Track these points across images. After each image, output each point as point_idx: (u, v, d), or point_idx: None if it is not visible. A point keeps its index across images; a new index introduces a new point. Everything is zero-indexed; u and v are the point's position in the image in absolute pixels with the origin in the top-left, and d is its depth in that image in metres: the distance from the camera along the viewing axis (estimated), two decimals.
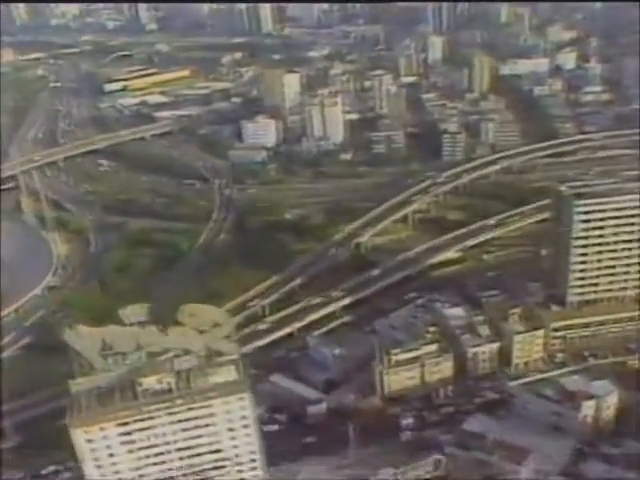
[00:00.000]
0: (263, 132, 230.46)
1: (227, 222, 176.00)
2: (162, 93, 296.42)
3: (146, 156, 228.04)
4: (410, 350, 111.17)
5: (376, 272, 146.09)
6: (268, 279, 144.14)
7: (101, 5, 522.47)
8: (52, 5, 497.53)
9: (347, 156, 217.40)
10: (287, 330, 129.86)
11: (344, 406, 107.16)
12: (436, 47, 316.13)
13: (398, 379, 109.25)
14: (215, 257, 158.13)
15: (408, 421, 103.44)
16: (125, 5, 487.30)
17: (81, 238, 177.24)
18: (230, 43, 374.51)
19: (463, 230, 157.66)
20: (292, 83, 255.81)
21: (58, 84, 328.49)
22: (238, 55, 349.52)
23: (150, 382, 79.00)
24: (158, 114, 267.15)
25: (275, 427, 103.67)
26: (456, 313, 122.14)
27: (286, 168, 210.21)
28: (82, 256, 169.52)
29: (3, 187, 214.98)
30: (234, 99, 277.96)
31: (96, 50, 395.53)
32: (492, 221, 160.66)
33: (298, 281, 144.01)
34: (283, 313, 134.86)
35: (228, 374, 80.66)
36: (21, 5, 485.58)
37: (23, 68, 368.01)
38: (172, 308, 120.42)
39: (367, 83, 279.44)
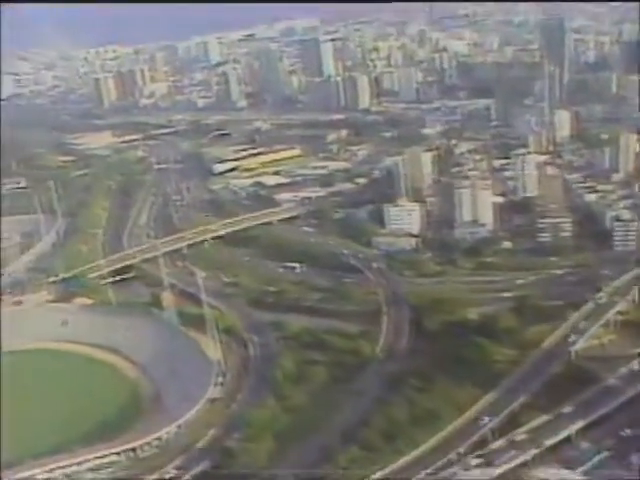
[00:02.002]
0: (407, 216, 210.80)
1: (403, 322, 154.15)
2: (276, 173, 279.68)
3: (280, 243, 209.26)
4: None
5: (602, 386, 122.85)
6: (480, 394, 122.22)
7: (187, 81, 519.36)
8: (140, 84, 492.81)
9: (508, 244, 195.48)
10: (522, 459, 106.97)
11: None
12: (563, 122, 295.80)
13: None
14: (407, 366, 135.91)
15: None
16: (214, 80, 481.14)
17: (235, 339, 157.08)
18: (329, 120, 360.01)
19: None
20: (427, 163, 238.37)
21: (162, 166, 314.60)
22: (343, 133, 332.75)
23: None
24: (278, 196, 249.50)
25: None
26: None
27: (443, 258, 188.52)
28: (241, 361, 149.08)
29: (122, 277, 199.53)
30: (357, 180, 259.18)
31: (191, 129, 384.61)
32: None
33: (517, 397, 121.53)
34: (511, 437, 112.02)
35: None
36: (111, 86, 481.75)
37: (122, 150, 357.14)
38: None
39: (496, 162, 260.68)
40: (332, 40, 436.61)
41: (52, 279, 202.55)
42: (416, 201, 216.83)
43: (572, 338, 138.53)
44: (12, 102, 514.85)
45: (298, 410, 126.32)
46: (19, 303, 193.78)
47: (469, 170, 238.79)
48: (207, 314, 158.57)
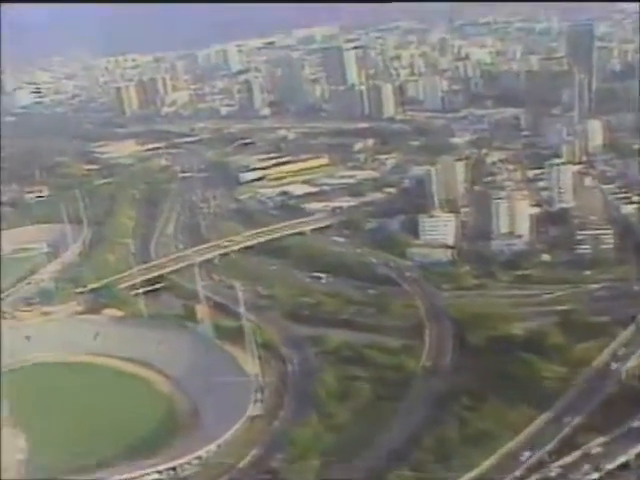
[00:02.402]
0: (443, 227, 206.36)
1: (446, 337, 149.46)
2: (304, 182, 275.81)
3: (312, 253, 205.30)
4: None
5: None
6: (533, 413, 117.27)
7: (208, 89, 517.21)
8: (162, 93, 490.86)
9: (547, 257, 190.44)
10: None
11: None
12: (595, 132, 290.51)
13: None
14: (454, 383, 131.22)
15: None
16: (235, 88, 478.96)
17: (272, 353, 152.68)
18: (355, 128, 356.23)
19: None
20: (459, 173, 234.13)
21: (187, 174, 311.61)
22: (370, 142, 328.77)
23: None
24: (308, 206, 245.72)
25: None
26: None
27: (481, 270, 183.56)
28: (280, 377, 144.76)
29: (152, 288, 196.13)
30: (387, 189, 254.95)
31: (215, 138, 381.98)
32: None
33: (572, 419, 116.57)
34: (568, 459, 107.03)
35: None
36: (132, 95, 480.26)
37: (145, 159, 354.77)
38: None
39: (529, 172, 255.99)
40: (355, 48, 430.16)
41: (80, 289, 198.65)
42: (450, 211, 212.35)
43: (621, 355, 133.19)
44: (33, 110, 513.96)
45: (343, 428, 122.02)
46: (47, 314, 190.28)
47: (503, 180, 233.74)
48: (243, 327, 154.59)
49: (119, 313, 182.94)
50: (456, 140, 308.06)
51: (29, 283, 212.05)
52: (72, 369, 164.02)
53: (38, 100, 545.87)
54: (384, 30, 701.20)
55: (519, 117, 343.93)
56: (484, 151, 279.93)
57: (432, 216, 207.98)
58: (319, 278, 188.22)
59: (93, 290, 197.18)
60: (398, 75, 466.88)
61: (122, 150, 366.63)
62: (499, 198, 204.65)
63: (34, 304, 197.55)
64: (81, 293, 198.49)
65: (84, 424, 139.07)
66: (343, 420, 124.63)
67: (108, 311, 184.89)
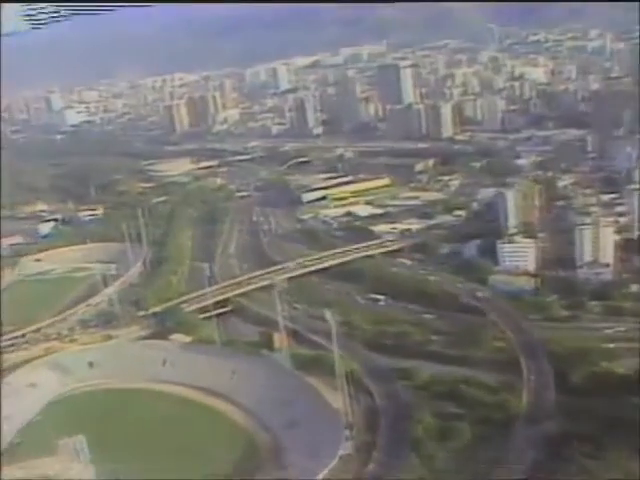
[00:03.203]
0: (523, 254, 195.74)
1: (545, 373, 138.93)
2: (368, 203, 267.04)
3: (386, 278, 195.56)
4: None
5: None
6: None
7: (257, 108, 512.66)
8: (212, 111, 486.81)
9: (637, 287, 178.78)
10: None
11: None
12: None
13: None
14: (564, 425, 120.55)
15: None
16: (286, 106, 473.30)
17: (356, 387, 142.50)
18: (414, 149, 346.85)
19: None
20: (533, 196, 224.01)
21: (244, 193, 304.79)
22: (431, 162, 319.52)
23: None
24: (375, 228, 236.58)
25: None
26: None
27: (569, 300, 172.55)
28: (370, 413, 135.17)
29: (220, 312, 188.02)
30: (456, 212, 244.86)
31: (268, 156, 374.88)
32: None
33: None
34: None
35: None
36: (183, 112, 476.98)
37: (200, 177, 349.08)
38: None
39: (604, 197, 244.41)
40: (411, 66, 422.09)
41: (144, 312, 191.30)
42: (528, 237, 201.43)
43: None
44: (83, 129, 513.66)
45: (448, 472, 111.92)
46: (110, 338, 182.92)
47: (585, 205, 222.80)
48: (325, 357, 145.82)
49: (187, 338, 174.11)
50: (521, 162, 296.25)
51: (88, 305, 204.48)
52: (141, 397, 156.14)
53: (88, 119, 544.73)
54: (432, 48, 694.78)
55: (583, 139, 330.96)
56: (551, 174, 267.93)
57: (511, 241, 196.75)
58: (399, 305, 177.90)
59: (157, 313, 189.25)
60: (452, 94, 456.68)
61: (177, 168, 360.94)
62: (583, 224, 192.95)
63: (95, 327, 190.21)
64: (145, 316, 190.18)
65: (156, 457, 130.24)
66: (446, 463, 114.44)
67: (175, 336, 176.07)
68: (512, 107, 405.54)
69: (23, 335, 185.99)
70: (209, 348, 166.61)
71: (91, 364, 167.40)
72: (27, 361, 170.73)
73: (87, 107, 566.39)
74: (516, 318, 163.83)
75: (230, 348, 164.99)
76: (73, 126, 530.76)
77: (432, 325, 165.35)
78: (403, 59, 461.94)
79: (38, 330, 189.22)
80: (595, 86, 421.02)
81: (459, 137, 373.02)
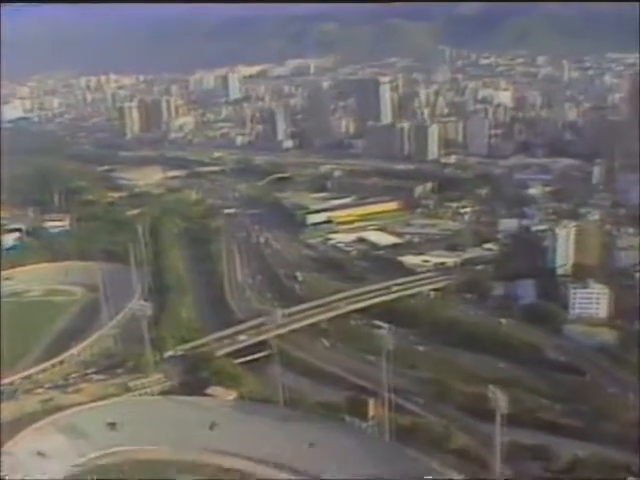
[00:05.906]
0: (595, 300, 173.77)
1: None
2: (380, 229, 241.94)
3: (446, 324, 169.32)
4: None
5: None
6: None
7: (212, 117, 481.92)
8: (165, 117, 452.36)
9: None
10: None
11: None
12: None
13: None
14: None
15: None
16: (248, 117, 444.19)
17: (479, 466, 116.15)
18: (402, 169, 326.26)
19: None
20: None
21: (231, 210, 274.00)
22: (428, 186, 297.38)
23: None
24: (403, 259, 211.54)
25: None
26: None
27: None
28: None
29: (251, 358, 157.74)
30: (486, 245, 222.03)
31: (240, 169, 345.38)
32: None
33: None
34: None
35: None
36: (134, 116, 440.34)
37: (174, 189, 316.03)
38: None
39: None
40: (390, 82, 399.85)
41: (164, 356, 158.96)
42: (599, 282, 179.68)
43: None
44: (20, 125, 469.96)
45: None
46: (125, 389, 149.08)
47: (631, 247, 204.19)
48: (424, 426, 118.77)
49: (230, 394, 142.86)
50: (533, 191, 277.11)
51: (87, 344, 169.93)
52: (186, 472, 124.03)
53: (23, 115, 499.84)
54: (380, 66, 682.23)
55: (582, 168, 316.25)
56: (554, 205, 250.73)
57: (585, 288, 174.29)
58: (481, 359, 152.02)
59: (181, 357, 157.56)
60: (422, 114, 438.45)
61: (145, 177, 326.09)
62: None
63: (104, 373, 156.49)
64: (164, 360, 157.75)
65: None
66: None
67: (213, 389, 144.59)
68: (493, 131, 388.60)
69: (11, 383, 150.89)
70: (266, 408, 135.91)
71: (112, 425, 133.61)
72: (21, 419, 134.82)
73: (23, 102, 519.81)
74: (622, 379, 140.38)
75: (290, 408, 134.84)
76: (10, 122, 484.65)
77: (533, 386, 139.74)
78: (382, 75, 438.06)
79: (29, 377, 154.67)
80: (573, 115, 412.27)
81: (444, 160, 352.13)
